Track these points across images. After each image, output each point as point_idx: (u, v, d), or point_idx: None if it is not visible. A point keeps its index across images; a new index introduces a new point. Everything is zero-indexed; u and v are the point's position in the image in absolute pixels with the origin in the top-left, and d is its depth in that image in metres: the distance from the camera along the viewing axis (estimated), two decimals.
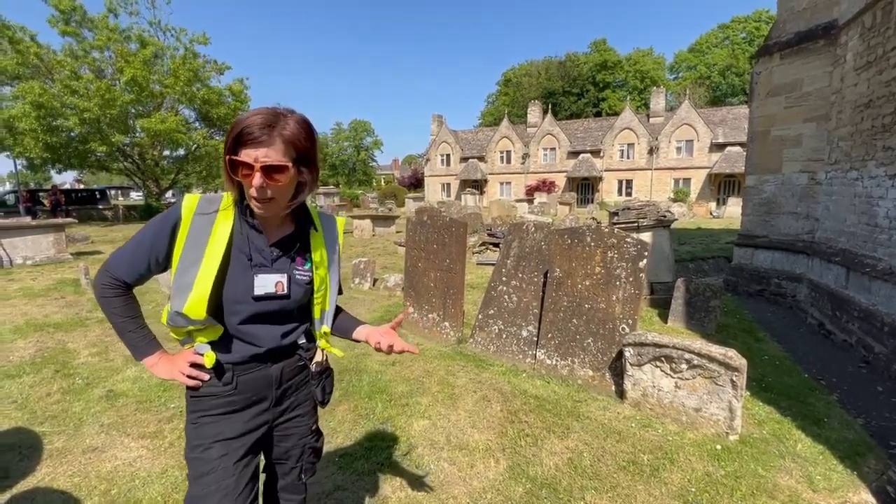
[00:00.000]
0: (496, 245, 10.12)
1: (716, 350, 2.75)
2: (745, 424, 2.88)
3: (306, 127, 1.11)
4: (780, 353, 4.40)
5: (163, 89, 19.33)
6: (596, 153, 35.27)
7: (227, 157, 1.06)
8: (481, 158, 40.16)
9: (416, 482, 2.36)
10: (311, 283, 1.25)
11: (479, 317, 4.27)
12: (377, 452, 2.61)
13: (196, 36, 21.27)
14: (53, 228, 9.42)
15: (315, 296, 1.28)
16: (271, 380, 1.24)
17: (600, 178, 34.95)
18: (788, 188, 6.44)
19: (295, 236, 1.23)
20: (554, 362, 3.69)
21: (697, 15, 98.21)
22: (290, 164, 1.06)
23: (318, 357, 1.37)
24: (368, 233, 14.10)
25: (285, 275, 1.20)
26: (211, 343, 1.17)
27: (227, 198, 1.16)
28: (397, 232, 14.40)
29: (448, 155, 42.29)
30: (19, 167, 21.24)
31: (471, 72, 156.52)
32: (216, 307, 1.13)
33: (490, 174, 39.70)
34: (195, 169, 23.85)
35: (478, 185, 39.23)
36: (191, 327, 1.13)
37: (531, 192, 33.89)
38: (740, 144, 27.84)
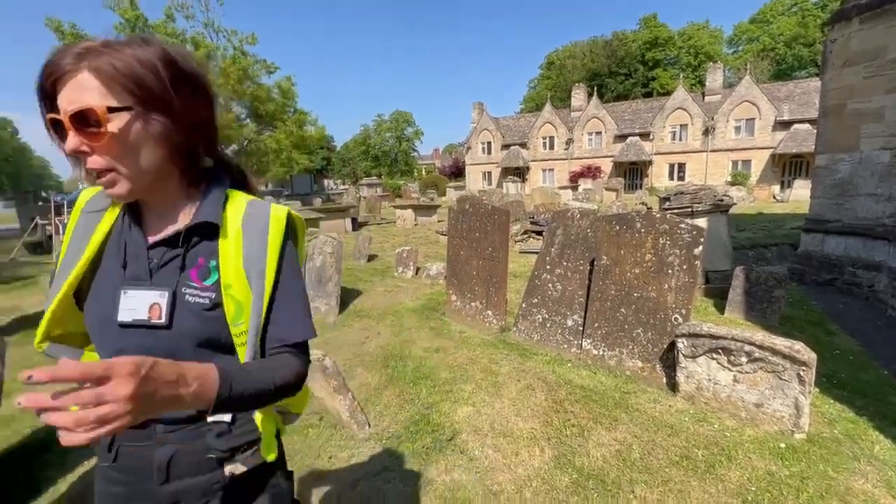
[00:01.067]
0: (539, 233, 9.94)
1: (780, 342, 2.57)
2: (814, 423, 2.68)
3: (157, 52, 0.70)
4: (855, 348, 4.04)
5: (215, 88, 20.41)
6: (645, 136, 33.51)
7: (43, 113, 0.69)
8: (523, 145, 39.31)
9: (461, 467, 2.39)
10: (214, 308, 0.77)
11: (523, 305, 4.22)
12: (422, 436, 2.66)
13: (245, 36, 22.21)
14: None
15: (233, 330, 0.78)
16: (153, 468, 0.78)
17: (650, 163, 33.23)
18: (867, 167, 5.84)
19: (188, 234, 0.78)
20: (601, 352, 3.60)
21: None
22: (104, 107, 0.65)
23: (239, 466, 0.81)
24: (410, 222, 14.28)
25: (167, 293, 0.76)
26: None
27: None
28: (439, 221, 14.47)
29: (489, 143, 41.73)
30: None
31: (512, 57, 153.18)
32: (77, 335, 0.83)
33: (532, 161, 38.81)
34: (247, 164, 25.13)
35: (519, 173, 38.48)
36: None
37: (575, 178, 32.86)
38: (809, 121, 25.44)
